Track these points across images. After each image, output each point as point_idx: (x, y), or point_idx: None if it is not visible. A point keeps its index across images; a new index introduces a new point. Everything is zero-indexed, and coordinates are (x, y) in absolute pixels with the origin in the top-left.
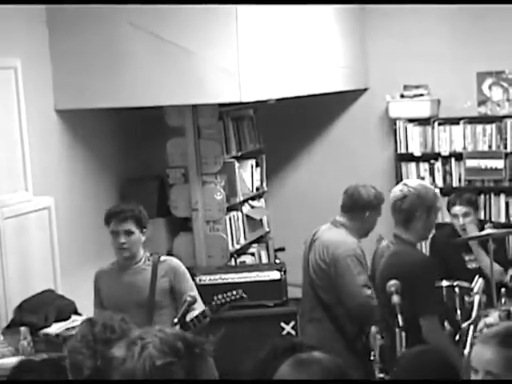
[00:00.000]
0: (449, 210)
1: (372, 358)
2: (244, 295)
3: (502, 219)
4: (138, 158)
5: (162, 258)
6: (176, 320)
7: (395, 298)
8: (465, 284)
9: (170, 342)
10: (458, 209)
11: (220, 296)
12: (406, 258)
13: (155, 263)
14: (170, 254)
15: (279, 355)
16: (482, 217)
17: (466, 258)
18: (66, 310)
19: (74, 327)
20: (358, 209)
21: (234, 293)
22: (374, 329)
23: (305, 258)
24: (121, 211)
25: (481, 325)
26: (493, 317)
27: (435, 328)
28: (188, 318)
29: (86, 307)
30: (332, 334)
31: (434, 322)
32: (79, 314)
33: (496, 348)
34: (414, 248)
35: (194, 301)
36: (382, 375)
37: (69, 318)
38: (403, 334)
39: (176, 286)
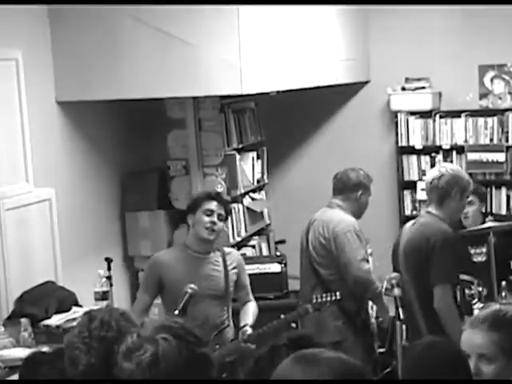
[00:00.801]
0: None
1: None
2: (339, 297)
3: (503, 212)
4: (138, 150)
5: (226, 249)
6: (177, 312)
7: (396, 291)
8: (466, 277)
9: (184, 334)
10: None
11: (319, 295)
12: (434, 227)
13: (223, 254)
14: (170, 245)
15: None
16: (483, 210)
17: (472, 251)
18: (67, 301)
19: (74, 319)
20: (349, 189)
21: (332, 294)
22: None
23: (302, 241)
24: (222, 196)
25: None
26: None
27: (446, 297)
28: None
29: (87, 298)
30: (332, 312)
31: (446, 291)
32: (80, 306)
33: (486, 332)
34: (442, 222)
35: (195, 292)
36: (381, 350)
37: (69, 309)
38: (404, 326)
39: (240, 277)
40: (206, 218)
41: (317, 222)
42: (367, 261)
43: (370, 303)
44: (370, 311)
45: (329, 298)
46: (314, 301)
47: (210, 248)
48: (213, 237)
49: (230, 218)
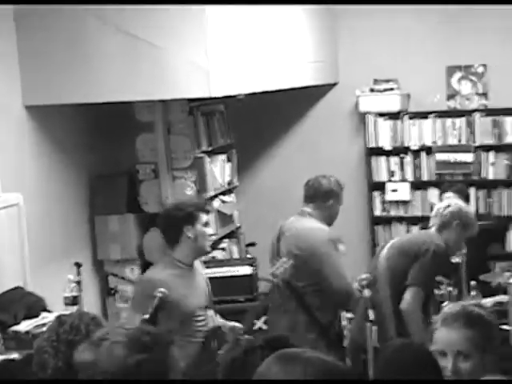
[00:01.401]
0: (441, 198)
1: (344, 345)
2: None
3: None
4: (107, 153)
5: None
6: (147, 317)
7: (366, 292)
8: (436, 278)
9: (136, 338)
10: (448, 196)
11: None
12: (428, 238)
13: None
14: (140, 249)
15: (251, 352)
16: None
17: None
18: (36, 306)
19: (43, 324)
20: (320, 197)
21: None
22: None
23: (273, 247)
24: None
25: None
26: None
27: (414, 301)
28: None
29: (56, 304)
30: (305, 324)
31: (415, 295)
32: (49, 311)
33: (462, 329)
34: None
35: (166, 296)
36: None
37: (38, 314)
38: (374, 328)
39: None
40: (205, 231)
41: (289, 231)
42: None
43: (344, 315)
44: (344, 323)
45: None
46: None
47: (202, 256)
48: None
49: None
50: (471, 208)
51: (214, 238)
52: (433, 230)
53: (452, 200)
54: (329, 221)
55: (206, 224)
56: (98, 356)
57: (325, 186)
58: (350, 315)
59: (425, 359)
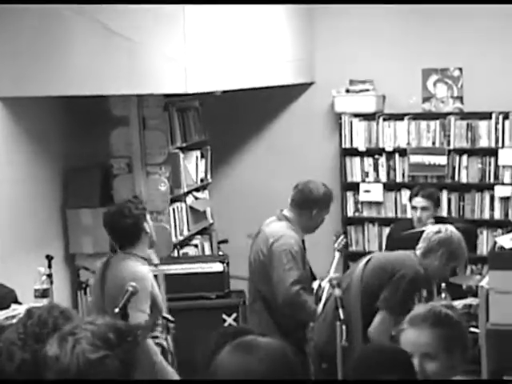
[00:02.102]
0: (410, 201)
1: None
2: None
3: (444, 215)
4: (82, 146)
5: None
6: (117, 310)
7: (337, 292)
8: None
9: (101, 334)
10: (418, 200)
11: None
12: (409, 262)
13: None
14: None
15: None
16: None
17: None
18: (6, 298)
19: (13, 316)
20: (307, 206)
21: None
22: (312, 324)
23: (250, 251)
24: None
25: None
26: None
27: (382, 326)
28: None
29: (27, 296)
30: (270, 326)
31: (384, 321)
32: (19, 303)
33: (429, 330)
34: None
35: (136, 291)
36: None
37: (9, 306)
38: (343, 327)
39: None
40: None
41: (260, 234)
42: (299, 283)
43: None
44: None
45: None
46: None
47: None
48: None
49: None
50: (462, 239)
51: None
52: (418, 253)
53: (446, 227)
54: (308, 228)
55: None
56: (62, 351)
57: (314, 194)
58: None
59: (400, 361)
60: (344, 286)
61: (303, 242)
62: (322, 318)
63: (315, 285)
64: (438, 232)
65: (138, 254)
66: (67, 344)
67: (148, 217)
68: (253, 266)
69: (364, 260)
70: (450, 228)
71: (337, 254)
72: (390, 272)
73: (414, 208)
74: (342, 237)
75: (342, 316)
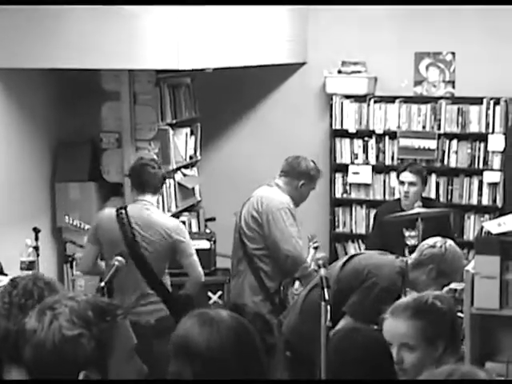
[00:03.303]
0: (398, 177)
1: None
2: None
3: (432, 197)
4: (72, 121)
5: None
6: (102, 284)
7: (322, 271)
8: None
9: (79, 311)
10: (405, 175)
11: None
12: (387, 271)
13: None
14: None
15: None
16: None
17: (407, 233)
18: None
19: None
20: (294, 175)
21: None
22: (296, 285)
23: (238, 217)
24: None
25: None
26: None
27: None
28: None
29: (13, 267)
30: (252, 286)
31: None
32: (5, 274)
33: (409, 320)
34: (398, 275)
35: (122, 265)
36: None
37: None
38: (328, 307)
39: None
40: None
41: (253, 197)
42: (298, 239)
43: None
44: (292, 290)
45: None
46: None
47: None
48: None
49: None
50: (460, 256)
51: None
52: (409, 262)
53: (446, 242)
54: (295, 200)
55: None
56: (39, 325)
57: (302, 166)
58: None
59: (377, 344)
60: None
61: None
62: (292, 305)
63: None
64: (433, 246)
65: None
66: (45, 318)
67: None
68: (243, 225)
69: (345, 258)
70: (448, 244)
71: (312, 251)
72: (362, 277)
73: (401, 183)
74: (315, 239)
75: (326, 296)
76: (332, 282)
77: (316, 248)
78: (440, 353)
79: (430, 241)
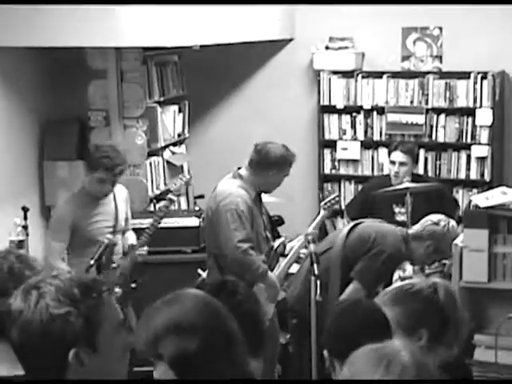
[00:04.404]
0: (389, 155)
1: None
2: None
3: (421, 173)
4: (59, 98)
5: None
6: (92, 262)
7: (312, 247)
8: None
9: (65, 289)
10: (396, 155)
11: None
12: (392, 238)
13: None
14: None
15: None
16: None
17: (396, 210)
18: None
19: None
20: (263, 166)
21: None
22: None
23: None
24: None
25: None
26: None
27: (353, 296)
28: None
29: (2, 247)
30: None
31: (357, 292)
32: None
33: (384, 307)
34: (402, 241)
35: (112, 243)
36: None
37: None
38: (318, 282)
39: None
40: (99, 186)
41: (213, 192)
42: (246, 241)
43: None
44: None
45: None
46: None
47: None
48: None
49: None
50: (458, 232)
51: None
52: (410, 232)
53: (449, 221)
54: (263, 189)
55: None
56: (25, 305)
57: (272, 155)
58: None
59: (375, 315)
60: (323, 248)
61: (260, 200)
62: (295, 274)
63: (277, 243)
64: (436, 224)
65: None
66: (31, 298)
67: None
68: (205, 222)
69: (349, 226)
70: (451, 224)
71: (322, 212)
72: (369, 244)
73: (392, 162)
74: (333, 196)
75: (316, 271)
76: (338, 250)
77: (326, 209)
78: (424, 343)
79: (435, 217)
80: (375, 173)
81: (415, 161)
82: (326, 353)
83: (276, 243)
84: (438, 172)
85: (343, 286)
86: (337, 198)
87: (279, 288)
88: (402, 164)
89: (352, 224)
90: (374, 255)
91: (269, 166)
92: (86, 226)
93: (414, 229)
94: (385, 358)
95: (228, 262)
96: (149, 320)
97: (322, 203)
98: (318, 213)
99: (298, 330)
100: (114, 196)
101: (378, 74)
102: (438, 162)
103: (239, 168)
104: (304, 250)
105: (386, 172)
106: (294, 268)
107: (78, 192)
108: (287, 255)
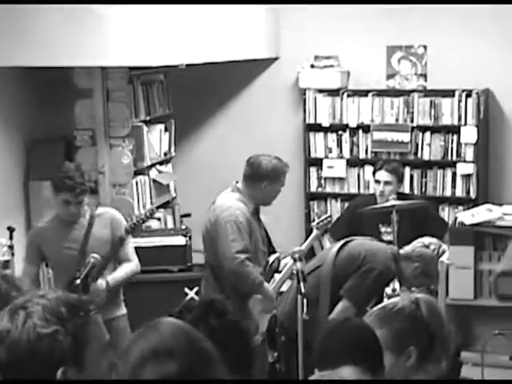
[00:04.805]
0: (374, 175)
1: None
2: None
3: (407, 191)
4: (45, 118)
5: (98, 210)
6: (78, 281)
7: (298, 265)
8: None
9: (52, 308)
10: (381, 174)
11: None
12: (381, 255)
13: (92, 217)
14: None
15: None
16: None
17: (382, 229)
18: None
19: None
20: (256, 179)
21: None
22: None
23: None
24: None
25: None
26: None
27: (343, 315)
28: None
29: None
30: (215, 294)
31: (346, 310)
32: None
33: (374, 328)
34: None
35: (98, 262)
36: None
37: None
38: (305, 300)
39: (114, 236)
40: (65, 208)
41: (213, 205)
42: (245, 252)
43: None
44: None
45: (141, 218)
46: (129, 224)
47: (76, 218)
48: (74, 218)
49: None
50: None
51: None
52: (401, 253)
53: (440, 244)
54: (261, 201)
55: (67, 202)
56: (13, 325)
57: (263, 167)
58: None
59: (364, 334)
60: (313, 266)
61: (257, 214)
62: (286, 292)
63: (272, 258)
64: (426, 246)
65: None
66: (18, 318)
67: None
68: (203, 234)
69: (339, 244)
70: (442, 248)
71: (315, 231)
72: (359, 262)
73: (377, 182)
74: (325, 216)
75: (302, 290)
76: (328, 268)
77: (319, 229)
78: (413, 362)
79: (426, 240)
80: (361, 191)
81: (400, 180)
82: (316, 372)
83: (271, 258)
84: (423, 190)
85: (333, 303)
86: (329, 219)
87: (275, 300)
88: (386, 183)
89: (342, 242)
90: (364, 273)
91: (261, 178)
92: (53, 250)
93: (405, 249)
94: None
95: (225, 273)
96: (126, 354)
97: (314, 223)
98: (311, 232)
99: (286, 348)
100: (91, 221)
101: (364, 93)
102: (423, 180)
103: (237, 182)
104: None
105: (371, 191)
106: (286, 285)
107: (54, 216)
108: (281, 271)
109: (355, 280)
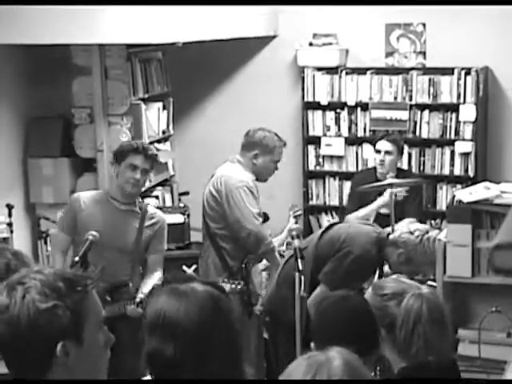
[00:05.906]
0: (374, 146)
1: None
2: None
3: (405, 168)
4: (43, 96)
5: (150, 209)
6: (77, 258)
7: (296, 242)
8: None
9: (50, 283)
10: (382, 143)
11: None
12: (361, 238)
13: (144, 212)
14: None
15: None
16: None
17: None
18: None
19: None
20: (248, 147)
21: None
22: (260, 266)
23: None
24: (148, 150)
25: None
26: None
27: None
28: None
29: None
30: (216, 266)
31: (321, 294)
32: None
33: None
34: (373, 246)
35: (97, 240)
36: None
37: None
38: (302, 277)
39: (153, 241)
40: (130, 174)
41: (214, 175)
42: (259, 217)
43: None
44: (257, 268)
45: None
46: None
47: (131, 200)
48: (134, 191)
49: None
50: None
51: (140, 182)
52: (389, 238)
53: (427, 232)
54: (257, 174)
55: (133, 166)
56: (11, 300)
57: (256, 137)
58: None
59: (363, 311)
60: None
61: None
62: (270, 279)
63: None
64: (411, 233)
65: (108, 191)
66: (16, 293)
67: (125, 164)
68: (205, 205)
69: (324, 227)
70: (427, 236)
71: (292, 220)
72: (337, 246)
73: (377, 152)
74: (296, 208)
75: (300, 266)
76: (311, 249)
77: (296, 217)
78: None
79: (412, 226)
80: (359, 169)
81: (400, 152)
82: (312, 345)
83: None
84: (421, 168)
85: (313, 287)
86: (298, 209)
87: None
88: (387, 153)
89: (328, 224)
90: (342, 256)
91: (252, 146)
92: (84, 231)
93: (393, 235)
94: (314, 365)
95: (244, 235)
96: (156, 311)
97: (291, 212)
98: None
99: (270, 326)
100: (142, 220)
101: (362, 71)
102: (421, 158)
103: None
104: (284, 248)
105: (371, 165)
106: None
107: (103, 192)
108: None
109: (332, 264)
